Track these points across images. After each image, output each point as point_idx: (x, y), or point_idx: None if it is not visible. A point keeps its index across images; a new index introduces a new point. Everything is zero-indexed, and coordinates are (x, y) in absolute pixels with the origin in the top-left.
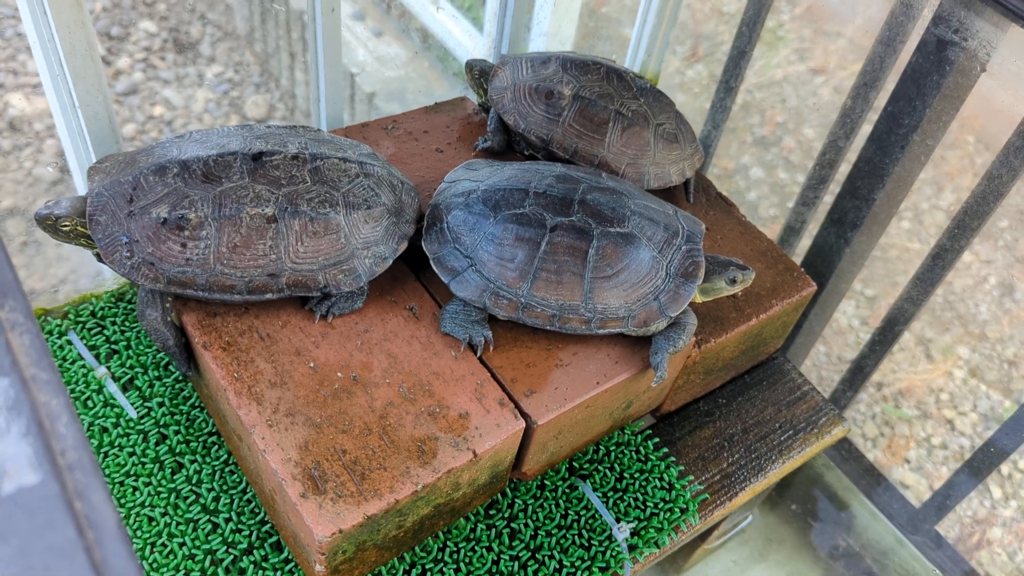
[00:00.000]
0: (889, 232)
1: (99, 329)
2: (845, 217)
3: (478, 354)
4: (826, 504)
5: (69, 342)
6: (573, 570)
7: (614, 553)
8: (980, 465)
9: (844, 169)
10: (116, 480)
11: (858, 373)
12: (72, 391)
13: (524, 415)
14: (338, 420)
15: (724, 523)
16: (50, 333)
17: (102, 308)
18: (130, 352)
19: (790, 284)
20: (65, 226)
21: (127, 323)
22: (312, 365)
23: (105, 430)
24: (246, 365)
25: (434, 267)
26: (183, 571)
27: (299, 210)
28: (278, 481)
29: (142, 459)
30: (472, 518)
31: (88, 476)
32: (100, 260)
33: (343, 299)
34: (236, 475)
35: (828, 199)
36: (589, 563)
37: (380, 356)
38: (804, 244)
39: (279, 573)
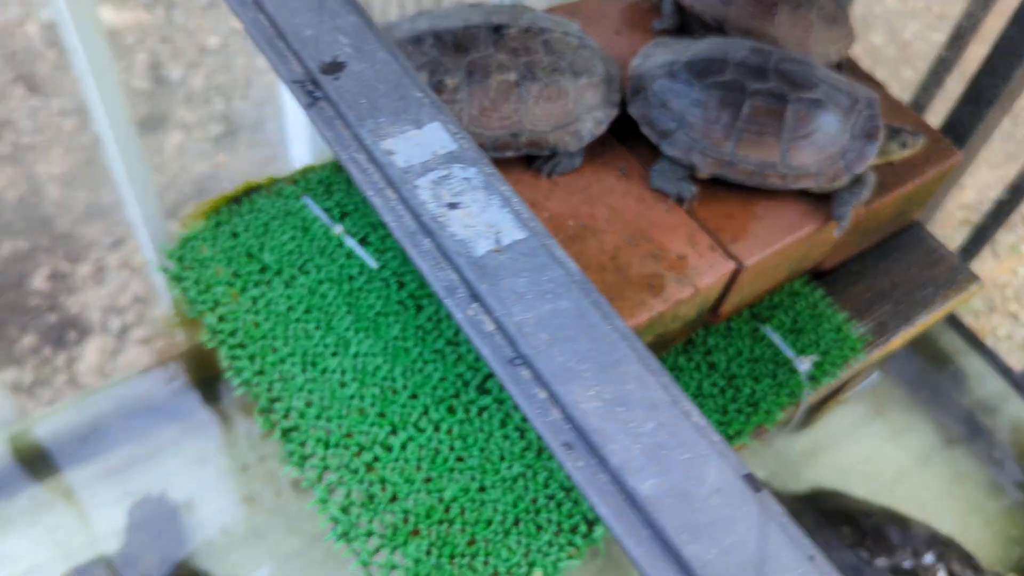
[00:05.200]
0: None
1: (328, 195)
2: (981, 95)
3: (685, 207)
4: (938, 364)
5: (304, 206)
6: (764, 395)
7: (796, 383)
8: None
9: (979, 50)
10: (370, 318)
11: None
12: (317, 245)
13: (733, 257)
14: (576, 259)
15: (855, 379)
16: (287, 197)
17: (327, 177)
18: (360, 213)
19: (940, 154)
20: None
21: (352, 188)
22: (547, 215)
23: (352, 278)
24: None
25: (644, 130)
26: (439, 390)
27: (536, 77)
28: None
29: (387, 302)
30: (673, 352)
31: (549, 237)
32: None
33: (565, 158)
34: None
35: (959, 77)
36: (777, 389)
37: (601, 208)
38: (933, 120)
39: None
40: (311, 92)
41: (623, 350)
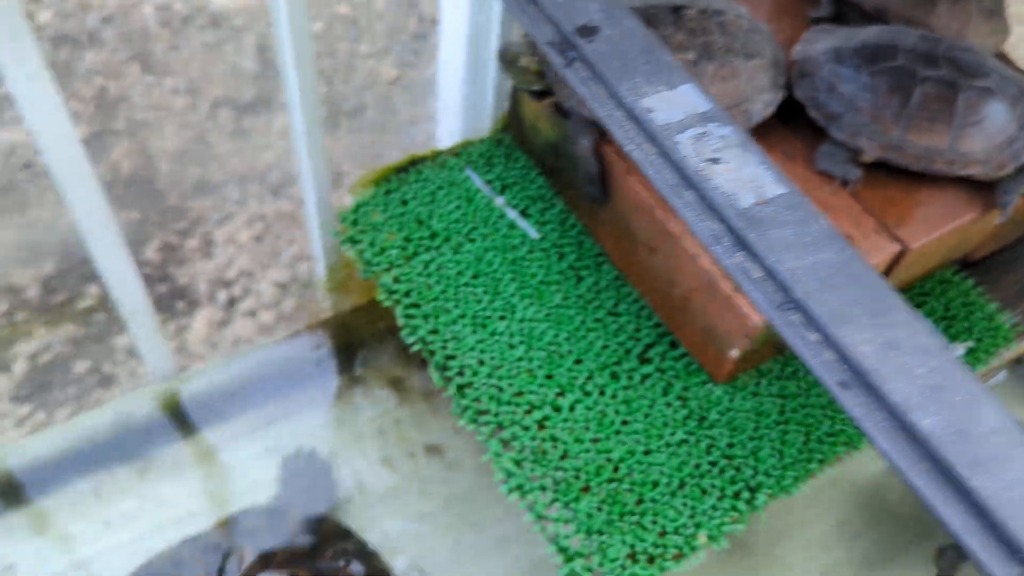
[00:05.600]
0: None
1: (489, 168)
2: None
3: (849, 189)
4: None
5: (467, 178)
6: None
7: None
8: None
9: None
10: (534, 286)
11: None
12: (481, 215)
13: (898, 240)
14: None
15: (985, 376)
16: (451, 169)
17: (487, 151)
18: (519, 187)
19: None
20: (522, 63)
21: (510, 163)
22: None
23: (515, 247)
24: None
25: (811, 113)
26: (602, 356)
27: (712, 57)
28: (707, 280)
29: (549, 271)
30: None
31: (801, 197)
32: (540, 97)
33: None
34: (627, 287)
35: None
36: None
37: None
38: None
39: (678, 363)
40: (566, 53)
41: (891, 298)
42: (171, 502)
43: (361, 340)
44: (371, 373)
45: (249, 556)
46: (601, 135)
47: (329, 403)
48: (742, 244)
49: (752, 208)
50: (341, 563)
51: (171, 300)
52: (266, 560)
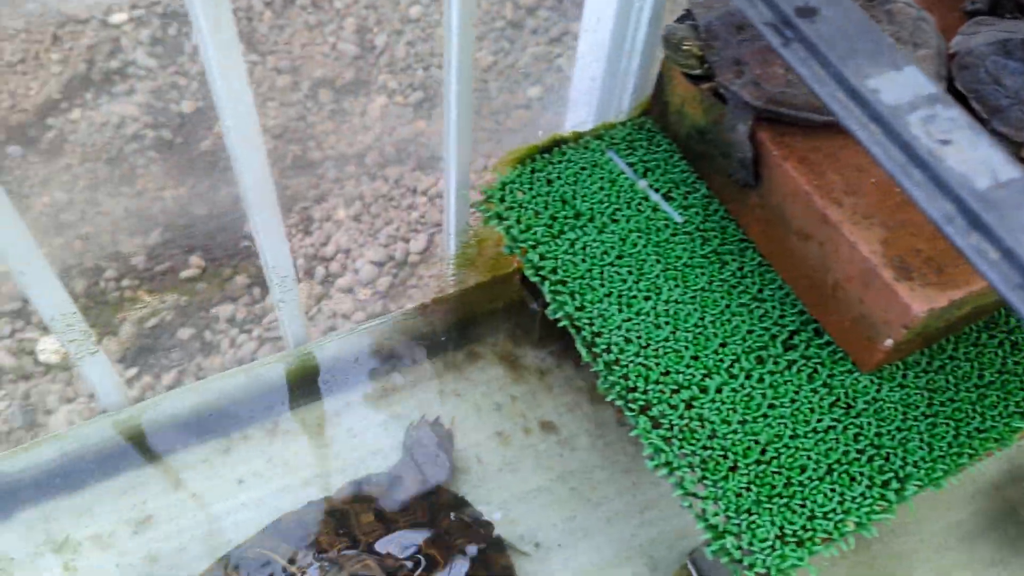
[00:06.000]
0: None
1: (630, 151)
2: None
3: None
4: None
5: (609, 160)
6: None
7: None
8: None
9: None
10: (678, 268)
11: None
12: (624, 197)
13: None
14: (908, 225)
15: None
16: (593, 151)
17: (628, 135)
18: (661, 170)
19: None
20: (685, 47)
21: (652, 147)
22: (873, 181)
23: (659, 230)
24: (820, 176)
25: (973, 105)
26: (747, 341)
27: None
28: (865, 268)
29: (693, 255)
30: (976, 329)
31: None
32: (697, 82)
33: None
34: (771, 274)
35: None
36: None
37: None
38: None
39: (823, 351)
40: (783, 33)
41: None
42: (298, 464)
43: (480, 317)
44: (488, 349)
45: (370, 521)
46: (756, 121)
47: (448, 376)
48: (977, 225)
49: (988, 190)
50: (457, 532)
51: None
52: (387, 525)
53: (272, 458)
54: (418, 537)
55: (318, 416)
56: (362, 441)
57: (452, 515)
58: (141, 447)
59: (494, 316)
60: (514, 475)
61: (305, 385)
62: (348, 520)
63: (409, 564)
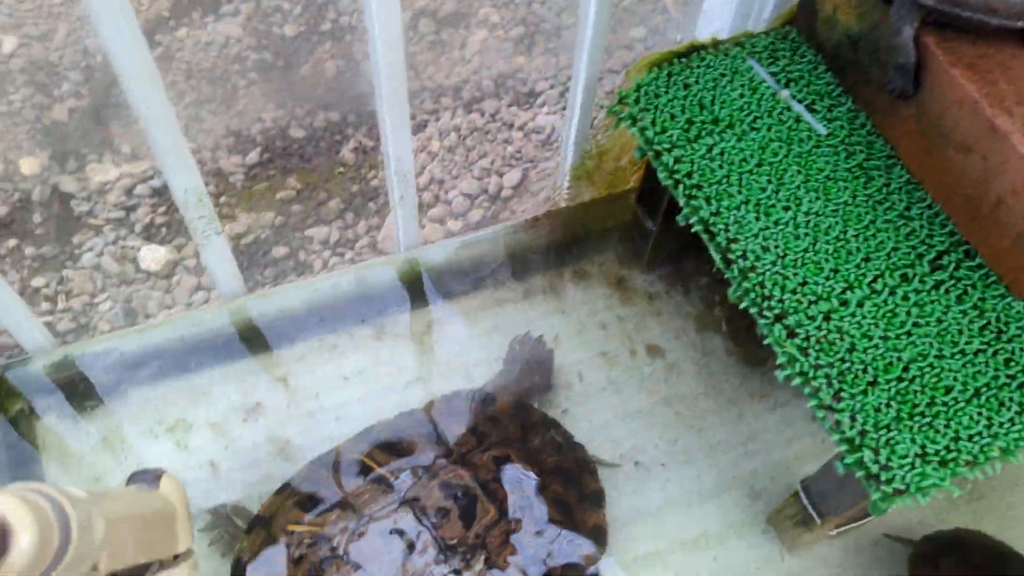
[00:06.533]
0: None
1: (772, 60)
2: None
3: None
4: None
5: (750, 68)
6: None
7: None
8: None
9: None
10: (820, 180)
11: None
12: (764, 106)
13: None
14: None
15: None
16: (733, 58)
17: (771, 44)
18: (804, 82)
19: None
20: None
21: (796, 57)
22: None
23: (801, 140)
24: (991, 84)
25: None
26: (892, 258)
27: None
28: None
29: (836, 168)
30: None
31: None
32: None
33: None
34: (919, 192)
35: None
36: None
37: None
38: None
39: (974, 273)
40: None
41: None
42: (402, 367)
43: (591, 235)
44: (596, 269)
45: (463, 433)
46: (923, 24)
47: (554, 293)
48: None
49: None
50: (549, 450)
51: (363, 200)
52: (479, 439)
53: (378, 359)
54: (510, 452)
55: (424, 322)
56: (465, 350)
57: (543, 435)
58: (253, 337)
59: (605, 235)
60: (617, 395)
61: (413, 291)
62: (441, 431)
63: (500, 477)
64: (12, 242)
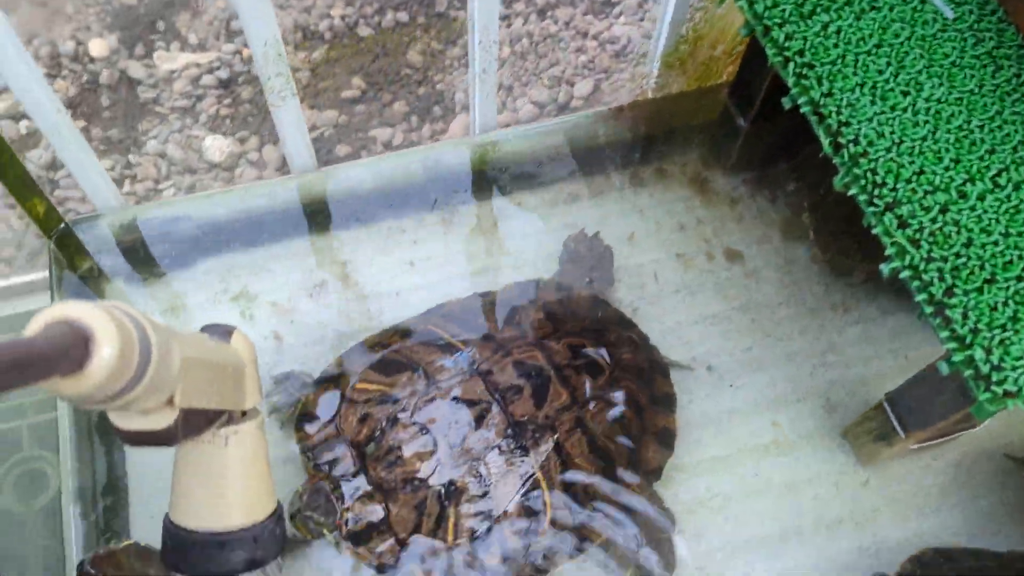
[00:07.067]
0: None
1: None
2: None
3: None
4: None
5: None
6: None
7: None
8: None
9: None
10: (944, 67)
11: None
12: None
13: None
14: None
15: None
16: None
17: None
18: None
19: None
20: None
21: None
22: None
23: (925, 23)
24: None
25: None
26: (1019, 151)
27: None
28: None
29: (963, 55)
30: None
31: None
32: None
33: None
34: None
35: None
36: None
37: None
38: None
39: None
40: None
41: None
42: (469, 254)
43: (675, 131)
44: (678, 169)
45: (540, 318)
46: None
47: (631, 190)
48: None
49: None
50: (624, 347)
51: (429, 104)
52: (556, 325)
53: (446, 244)
54: (585, 342)
55: (494, 212)
56: (537, 242)
57: (619, 331)
58: (321, 214)
59: (690, 133)
60: (692, 298)
61: (484, 179)
62: (516, 314)
63: (575, 364)
64: (80, 123)
